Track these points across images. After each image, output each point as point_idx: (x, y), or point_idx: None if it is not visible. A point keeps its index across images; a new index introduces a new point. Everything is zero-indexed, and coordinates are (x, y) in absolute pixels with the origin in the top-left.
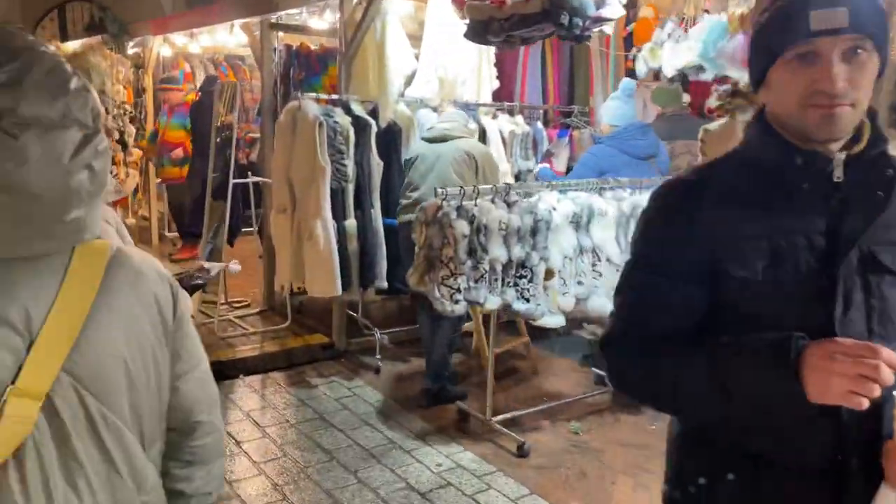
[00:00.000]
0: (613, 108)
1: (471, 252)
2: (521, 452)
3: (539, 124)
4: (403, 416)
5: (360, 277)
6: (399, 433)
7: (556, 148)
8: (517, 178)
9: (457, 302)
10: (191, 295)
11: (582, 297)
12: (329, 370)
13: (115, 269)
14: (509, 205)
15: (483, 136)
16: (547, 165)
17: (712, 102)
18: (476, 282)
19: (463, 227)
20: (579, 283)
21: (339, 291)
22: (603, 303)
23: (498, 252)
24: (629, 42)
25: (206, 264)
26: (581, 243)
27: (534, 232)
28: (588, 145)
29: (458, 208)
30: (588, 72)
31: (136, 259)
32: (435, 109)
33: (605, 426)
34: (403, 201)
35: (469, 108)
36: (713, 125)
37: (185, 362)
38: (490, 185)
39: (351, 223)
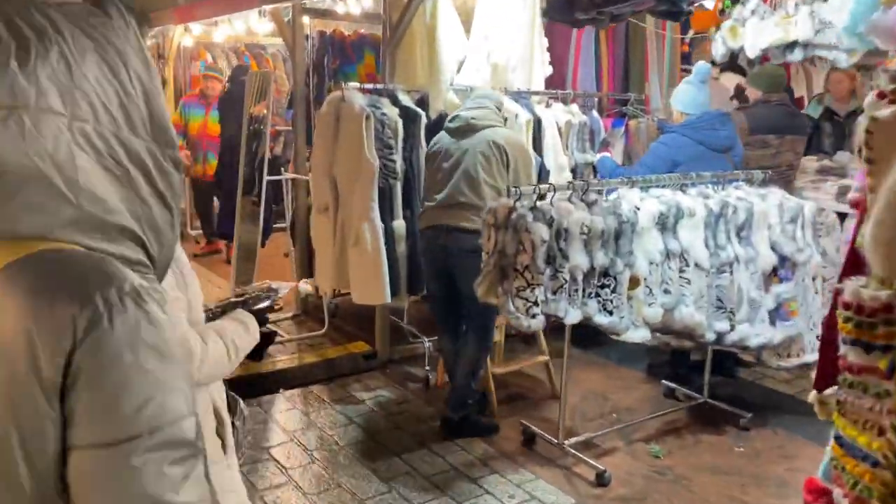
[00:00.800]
0: (686, 94)
1: (549, 259)
2: (602, 481)
3: (595, 113)
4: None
5: (407, 283)
6: (460, 457)
7: (611, 137)
8: (574, 172)
9: (534, 316)
10: (261, 326)
11: (669, 307)
12: (374, 382)
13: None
14: (589, 205)
15: (538, 127)
16: (608, 154)
17: (884, 84)
18: (555, 293)
19: (542, 231)
20: (666, 291)
21: (389, 299)
22: (691, 312)
23: (579, 259)
24: (685, 26)
25: (274, 284)
26: (668, 247)
27: (617, 235)
28: (645, 135)
29: (533, 209)
30: (644, 57)
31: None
32: None
33: (686, 448)
34: (427, 203)
35: (521, 97)
36: (885, 112)
37: (88, 429)
38: (567, 182)
39: (399, 224)
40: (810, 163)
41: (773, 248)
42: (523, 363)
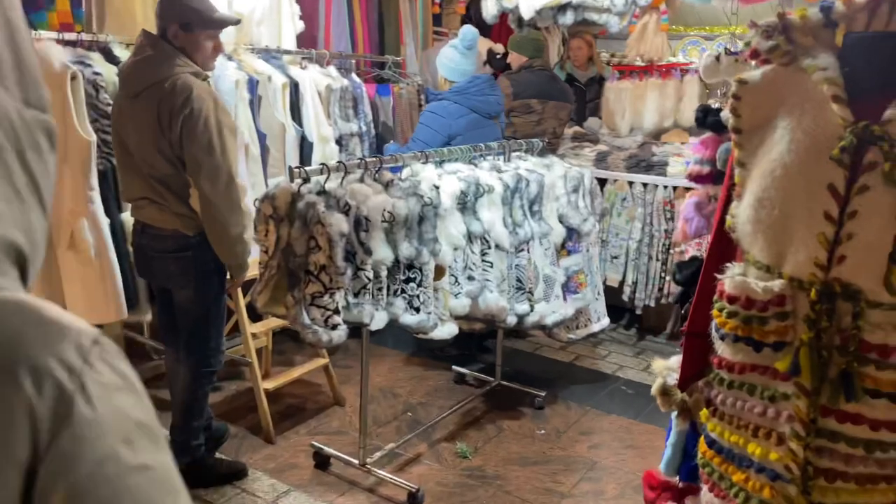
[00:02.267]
0: (452, 60)
1: (349, 256)
2: (415, 502)
3: (355, 77)
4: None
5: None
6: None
7: (382, 107)
8: (340, 144)
9: (335, 327)
10: None
11: (474, 295)
12: None
13: None
14: (385, 186)
15: (295, 92)
16: (392, 143)
17: (762, 45)
18: (357, 295)
19: (340, 223)
20: (470, 278)
21: (125, 313)
22: (496, 298)
23: (383, 252)
24: None
25: None
26: (470, 229)
27: (420, 220)
28: (407, 102)
29: (324, 195)
30: (398, 17)
31: None
32: (230, 57)
33: (491, 440)
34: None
35: (272, 56)
36: (755, 74)
37: None
38: (358, 159)
39: (129, 217)
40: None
41: (560, 221)
42: (299, 371)
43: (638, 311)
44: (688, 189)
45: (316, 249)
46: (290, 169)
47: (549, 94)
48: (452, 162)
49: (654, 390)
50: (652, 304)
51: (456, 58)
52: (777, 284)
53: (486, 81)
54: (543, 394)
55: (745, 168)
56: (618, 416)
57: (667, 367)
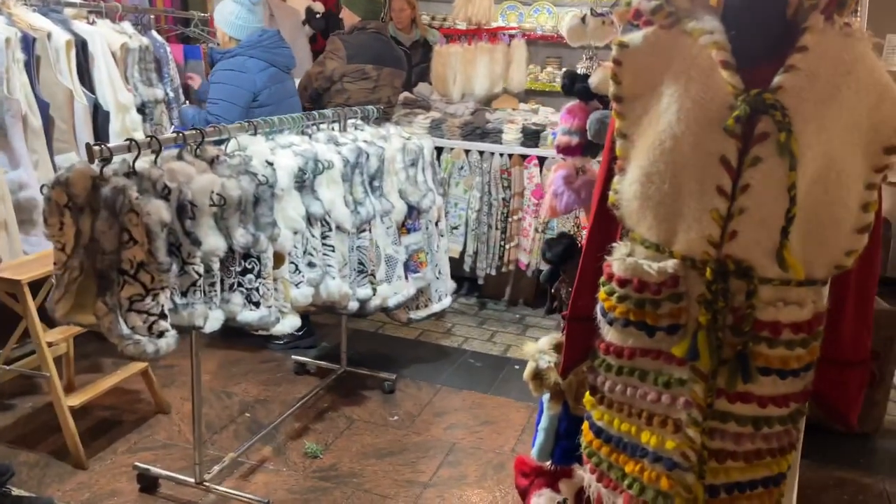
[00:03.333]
0: (237, 16)
1: (173, 249)
2: None
3: (156, 34)
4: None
5: None
6: None
7: (193, 71)
8: (143, 112)
9: (161, 334)
10: None
11: (315, 283)
12: None
13: None
14: (209, 163)
15: (83, 51)
16: (186, 105)
17: (644, 4)
18: (186, 294)
19: (160, 210)
20: (311, 264)
21: None
22: (338, 284)
23: (214, 241)
24: None
25: None
26: (310, 210)
27: (255, 202)
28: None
29: (134, 176)
30: None
31: None
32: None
33: (342, 435)
34: None
35: (51, 9)
36: (636, 37)
37: None
38: (174, 132)
39: None
40: None
41: (399, 197)
42: (112, 381)
43: (480, 282)
44: (524, 157)
45: (130, 244)
46: (88, 146)
47: (384, 59)
48: (282, 133)
49: (526, 375)
50: (493, 272)
51: (243, 14)
52: (671, 265)
53: (276, 34)
54: (394, 377)
55: (627, 139)
56: (469, 391)
57: (538, 350)
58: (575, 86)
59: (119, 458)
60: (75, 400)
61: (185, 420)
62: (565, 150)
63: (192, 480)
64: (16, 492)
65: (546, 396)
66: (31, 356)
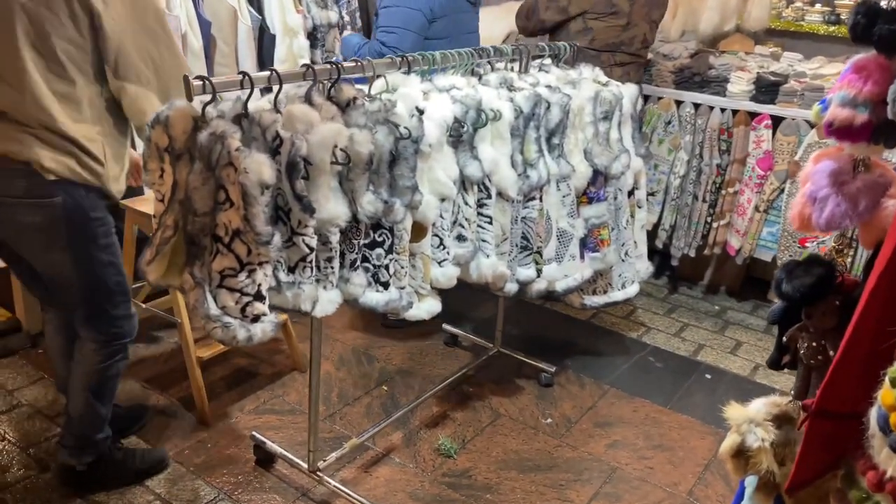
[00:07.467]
0: None
1: (279, 216)
2: None
3: None
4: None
5: None
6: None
7: None
8: (313, 38)
9: (256, 318)
10: None
11: (465, 260)
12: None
13: None
14: (342, 108)
15: None
16: (350, 32)
17: None
18: (293, 271)
19: (261, 167)
20: (460, 238)
21: None
22: (492, 263)
23: (333, 209)
24: None
25: None
26: (465, 172)
27: (393, 161)
28: None
29: (242, 120)
30: None
31: None
32: None
33: (483, 432)
34: None
35: None
36: None
37: None
38: (301, 64)
39: None
40: None
41: (584, 158)
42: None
43: (674, 262)
44: (752, 115)
45: (227, 205)
46: (185, 79)
47: None
48: (445, 72)
49: (723, 450)
50: (692, 254)
51: None
52: None
53: None
54: (553, 369)
55: None
56: (643, 400)
57: (748, 420)
58: (875, 28)
59: (244, 417)
60: (206, 351)
61: (321, 383)
62: (842, 131)
63: (306, 466)
64: (130, 443)
65: (750, 481)
66: (170, 294)
